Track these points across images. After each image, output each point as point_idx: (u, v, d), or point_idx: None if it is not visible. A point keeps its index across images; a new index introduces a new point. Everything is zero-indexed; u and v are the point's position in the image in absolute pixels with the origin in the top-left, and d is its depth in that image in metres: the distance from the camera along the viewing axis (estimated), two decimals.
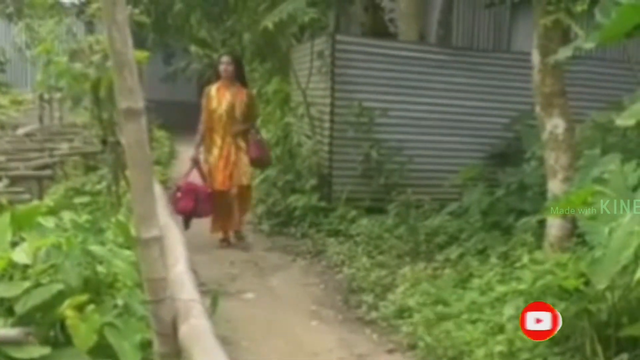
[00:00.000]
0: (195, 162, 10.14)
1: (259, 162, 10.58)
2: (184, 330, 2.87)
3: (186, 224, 9.77)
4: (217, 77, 10.26)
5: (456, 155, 11.31)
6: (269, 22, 10.79)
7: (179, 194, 9.91)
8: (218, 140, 10.06)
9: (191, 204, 9.79)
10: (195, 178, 10.19)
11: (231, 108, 9.95)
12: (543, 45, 7.24)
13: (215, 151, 10.08)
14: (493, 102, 11.36)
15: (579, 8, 6.53)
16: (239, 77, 10.20)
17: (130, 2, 14.65)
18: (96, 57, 7.85)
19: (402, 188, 10.53)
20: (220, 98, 10.01)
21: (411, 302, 7.22)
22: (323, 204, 10.96)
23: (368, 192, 10.94)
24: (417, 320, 6.84)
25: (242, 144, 10.13)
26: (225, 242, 10.34)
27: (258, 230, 11.11)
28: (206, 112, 10.07)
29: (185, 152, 21.14)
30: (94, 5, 8.83)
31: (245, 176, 10.21)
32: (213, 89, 10.11)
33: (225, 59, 10.20)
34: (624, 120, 5.23)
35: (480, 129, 11.37)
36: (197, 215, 9.97)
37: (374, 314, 7.38)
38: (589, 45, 5.58)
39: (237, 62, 10.25)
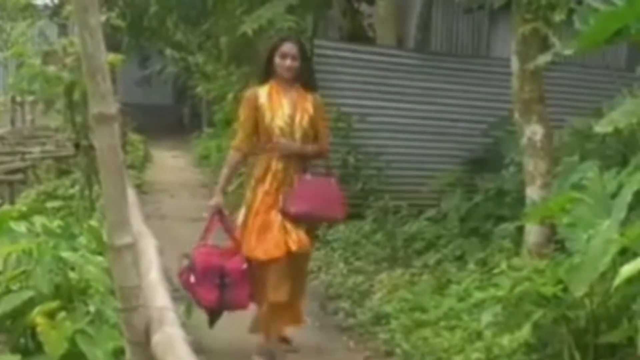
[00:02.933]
0: (220, 213, 6.30)
1: (318, 217, 6.59)
2: (157, 338, 2.82)
3: (211, 321, 6.42)
4: (266, 74, 6.27)
5: (434, 160, 11.27)
6: (247, 28, 10.71)
7: (192, 278, 6.27)
8: (272, 175, 6.15)
9: (215, 294, 6.18)
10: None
11: (290, 122, 6.14)
12: (522, 52, 7.21)
13: (266, 189, 6.16)
14: (472, 107, 11.33)
15: (557, 17, 6.51)
16: (304, 76, 6.27)
17: (104, 4, 14.56)
18: (70, 60, 7.77)
19: (379, 194, 10.48)
20: (274, 107, 6.13)
21: (389, 308, 7.17)
22: None
23: (345, 198, 10.86)
24: (395, 327, 6.79)
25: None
26: (284, 344, 6.65)
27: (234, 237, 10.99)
28: (249, 129, 6.21)
29: (162, 157, 21.25)
30: (68, 8, 8.73)
31: (300, 238, 6.18)
32: (262, 94, 6.16)
33: (288, 47, 6.14)
34: (602, 127, 5.21)
35: (458, 135, 11.34)
36: (226, 308, 6.38)
37: (351, 321, 7.33)
38: (568, 51, 5.55)
39: (305, 54, 6.30)
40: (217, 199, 6.31)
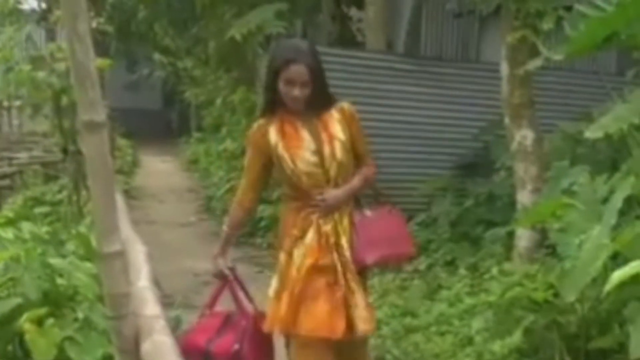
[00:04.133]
0: (225, 279, 4.87)
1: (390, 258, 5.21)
2: (146, 347, 2.79)
3: None
4: (271, 104, 4.67)
5: (425, 165, 11.23)
6: (236, 33, 10.68)
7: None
8: (315, 231, 4.56)
9: None
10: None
11: (319, 162, 4.56)
12: (512, 57, 7.22)
13: (309, 246, 4.57)
14: (462, 112, 11.30)
15: (545, 26, 6.52)
16: (318, 102, 4.62)
17: (92, 9, 14.51)
18: (59, 66, 7.73)
19: (370, 198, 10.44)
20: (292, 147, 4.59)
21: (379, 314, 7.13)
22: None
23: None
24: (385, 332, 6.77)
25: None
26: None
27: None
28: (255, 178, 4.73)
29: (151, 162, 21.22)
30: (57, 13, 8.70)
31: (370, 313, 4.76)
32: (272, 130, 4.63)
33: (295, 71, 4.45)
34: (593, 133, 5.20)
35: (449, 139, 11.31)
36: None
37: None
38: (558, 57, 5.55)
39: (319, 74, 4.61)
40: (218, 263, 4.80)
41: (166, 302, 7.20)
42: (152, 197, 15.22)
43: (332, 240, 4.48)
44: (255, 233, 10.91)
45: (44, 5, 18.11)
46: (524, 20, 6.89)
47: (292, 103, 4.50)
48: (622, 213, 4.86)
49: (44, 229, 5.94)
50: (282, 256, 4.58)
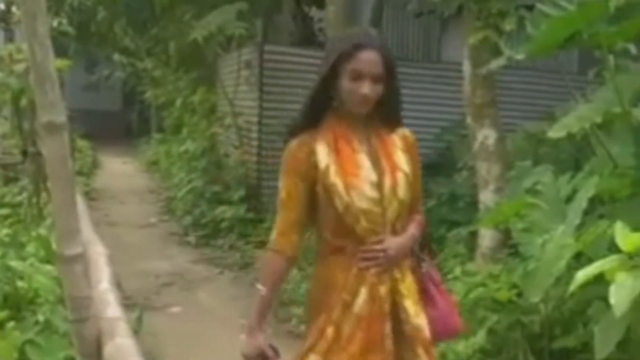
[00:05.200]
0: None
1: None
2: (108, 350, 2.78)
3: None
4: (320, 107, 3.42)
5: None
6: (197, 35, 10.62)
7: None
8: (368, 293, 3.35)
9: None
10: None
11: (378, 198, 3.33)
12: (474, 56, 7.23)
13: (358, 316, 3.34)
14: (424, 112, 11.35)
15: (507, 26, 6.53)
16: (389, 108, 3.46)
17: (52, 10, 14.38)
18: (18, 67, 7.65)
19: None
20: (348, 173, 3.31)
21: None
22: (251, 215, 10.85)
23: None
24: None
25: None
26: None
27: (184, 242, 10.93)
28: (299, 212, 3.40)
29: (111, 163, 21.06)
30: (17, 14, 8.63)
31: None
32: (321, 148, 3.34)
33: (367, 58, 3.22)
34: (555, 132, 5.22)
35: None
36: None
37: (303, 328, 7.26)
38: (520, 56, 5.56)
39: (392, 68, 3.32)
40: (257, 341, 3.44)
41: (127, 303, 7.16)
42: (112, 199, 15.11)
43: (386, 306, 3.35)
44: (216, 234, 10.85)
45: (2, 6, 17.95)
46: (486, 20, 6.90)
47: (358, 105, 3.27)
48: (585, 212, 4.88)
49: (4, 231, 5.88)
50: (330, 331, 3.36)
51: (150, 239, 11.33)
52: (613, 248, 4.03)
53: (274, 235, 3.39)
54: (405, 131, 3.53)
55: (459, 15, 8.44)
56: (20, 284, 4.61)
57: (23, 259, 4.98)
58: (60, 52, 11.57)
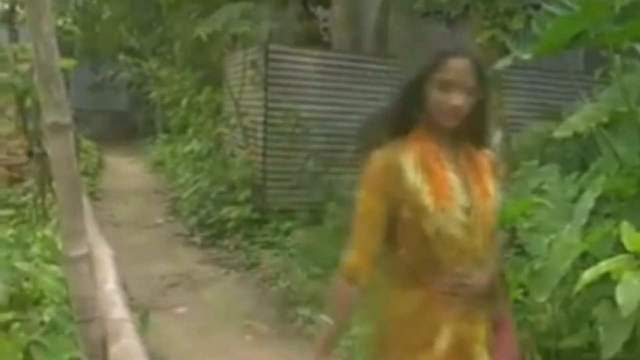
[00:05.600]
0: None
1: None
2: (114, 351, 2.76)
3: None
4: (407, 120, 3.00)
5: None
6: (202, 32, 10.61)
7: None
8: (450, 333, 2.99)
9: None
10: None
11: (469, 223, 2.95)
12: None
13: None
14: None
15: (514, 25, 6.52)
16: (478, 124, 3.05)
17: (57, 9, 14.39)
18: (22, 67, 7.65)
19: (340, 199, 10.42)
20: (443, 198, 2.92)
21: None
22: (257, 215, 10.84)
23: (304, 204, 10.81)
24: (356, 333, 6.72)
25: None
26: None
27: (190, 243, 10.92)
28: (376, 233, 3.01)
29: (116, 163, 21.04)
30: (21, 13, 8.64)
31: None
32: (407, 163, 2.93)
33: (457, 67, 2.86)
34: (561, 132, 5.21)
35: None
36: None
37: (310, 328, 7.25)
38: (527, 56, 5.54)
39: (484, 79, 2.94)
40: None
41: (133, 304, 7.16)
42: (118, 199, 15.09)
43: (471, 349, 3.05)
44: (222, 234, 10.84)
45: (6, 6, 17.96)
46: (493, 20, 6.89)
47: (447, 119, 2.92)
48: (591, 212, 4.87)
49: (9, 232, 5.88)
50: None
51: (155, 240, 11.32)
52: (619, 248, 4.03)
53: (348, 258, 3.02)
54: (488, 151, 3.16)
55: (466, 15, 8.43)
56: (25, 284, 4.61)
57: (28, 259, 4.97)
58: (66, 51, 11.58)
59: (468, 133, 3.01)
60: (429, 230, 2.86)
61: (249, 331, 7.33)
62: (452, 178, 2.93)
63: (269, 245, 10.13)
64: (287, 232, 10.20)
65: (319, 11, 15.09)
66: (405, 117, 2.98)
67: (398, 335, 3.04)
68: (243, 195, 11.04)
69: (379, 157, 2.94)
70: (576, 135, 5.30)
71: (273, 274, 8.94)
